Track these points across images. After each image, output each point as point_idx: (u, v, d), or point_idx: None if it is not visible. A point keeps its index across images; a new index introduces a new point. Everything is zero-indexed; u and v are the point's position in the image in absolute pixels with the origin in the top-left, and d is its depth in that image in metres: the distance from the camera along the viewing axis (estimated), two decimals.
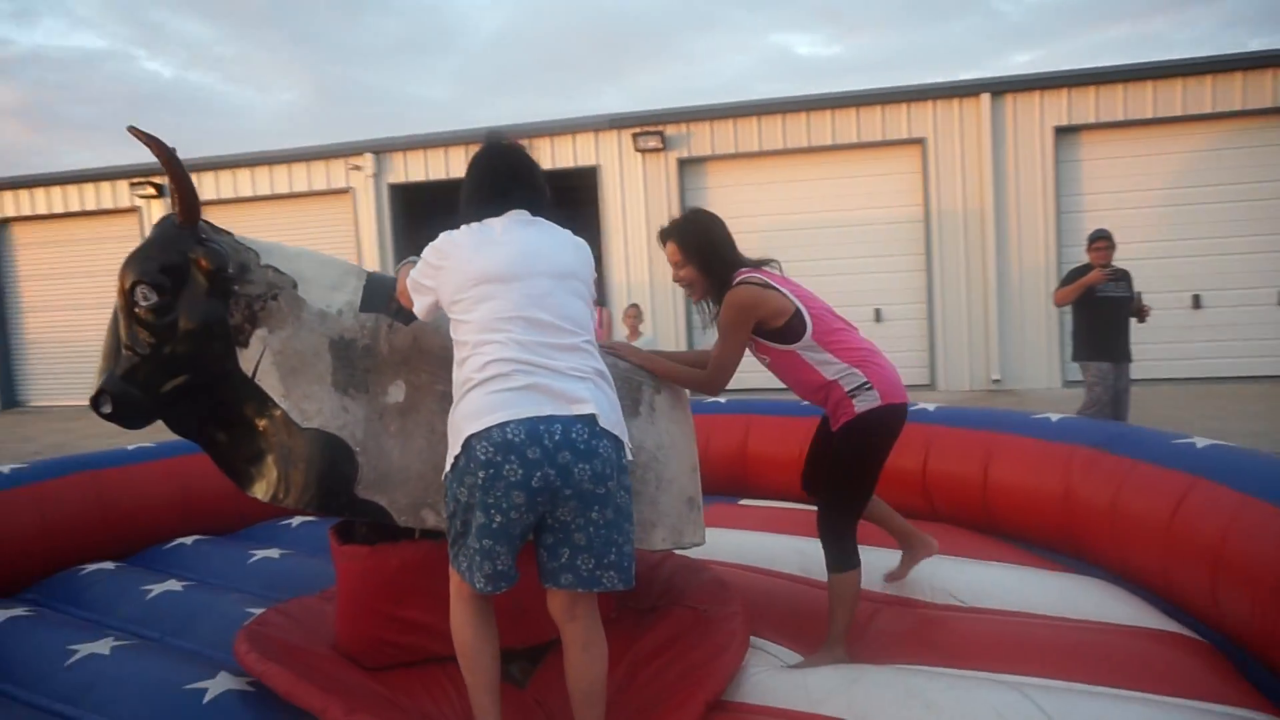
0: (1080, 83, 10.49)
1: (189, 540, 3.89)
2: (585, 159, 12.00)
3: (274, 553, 3.64)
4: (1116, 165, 10.65)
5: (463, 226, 2.12)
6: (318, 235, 12.82)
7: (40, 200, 14.07)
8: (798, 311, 2.57)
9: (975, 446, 3.71)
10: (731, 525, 3.84)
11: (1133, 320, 5.85)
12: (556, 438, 1.85)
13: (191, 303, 2.32)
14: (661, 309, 11.57)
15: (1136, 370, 5.99)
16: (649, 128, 11.56)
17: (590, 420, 1.91)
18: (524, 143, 2.26)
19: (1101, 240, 5.87)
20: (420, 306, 2.15)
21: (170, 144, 2.33)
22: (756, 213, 11.30)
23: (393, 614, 2.47)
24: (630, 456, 2.05)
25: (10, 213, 14.23)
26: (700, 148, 11.61)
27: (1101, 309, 5.79)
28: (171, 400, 2.37)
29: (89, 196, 13.82)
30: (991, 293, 10.74)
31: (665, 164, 11.66)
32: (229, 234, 2.49)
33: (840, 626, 2.56)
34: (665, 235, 2.72)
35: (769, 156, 11.52)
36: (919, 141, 10.99)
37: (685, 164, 11.75)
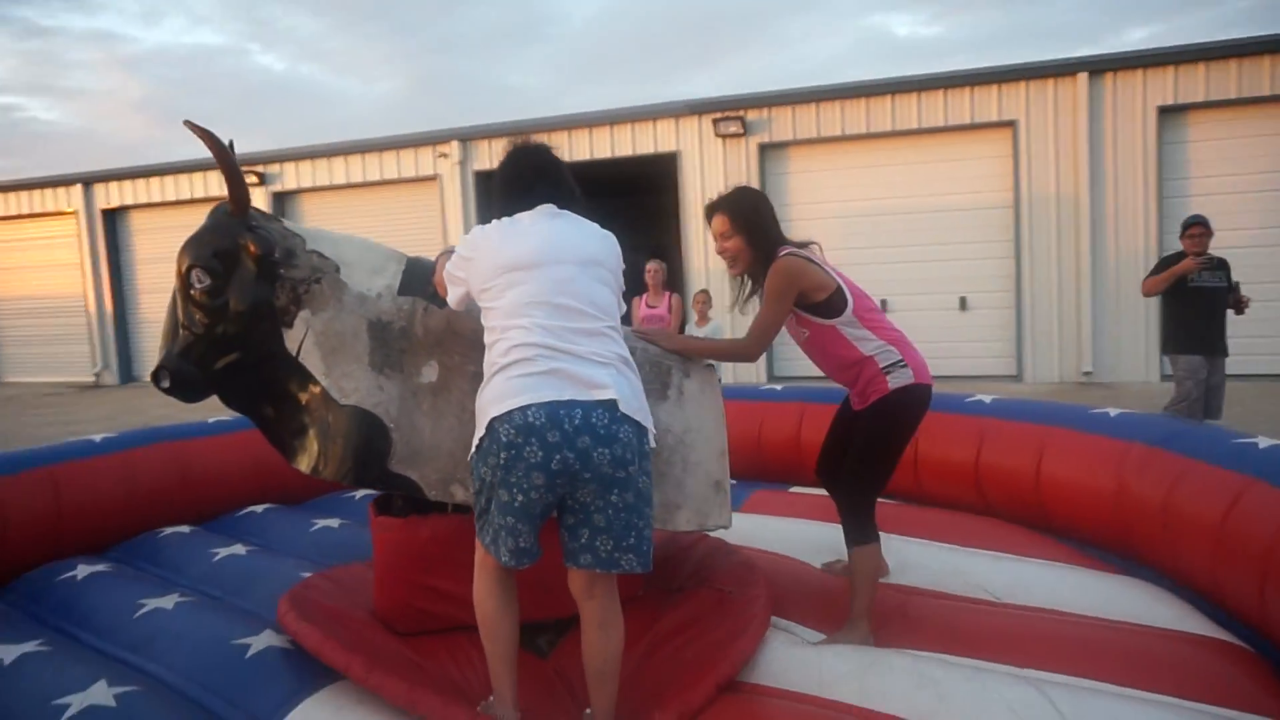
0: (1188, 59, 9.86)
1: (259, 508, 4.13)
2: (665, 145, 11.98)
3: (334, 522, 3.84)
4: (1227, 147, 9.98)
5: (493, 221, 2.22)
6: (406, 221, 13.27)
7: (155, 188, 14.99)
8: (839, 289, 2.64)
9: (1029, 440, 3.60)
10: (777, 512, 3.85)
11: (1230, 312, 5.53)
12: (576, 422, 1.91)
13: (241, 285, 2.48)
14: None
15: (1243, 365, 5.59)
16: (730, 113, 11.44)
17: (611, 405, 1.95)
18: (549, 142, 2.34)
19: (1197, 226, 5.53)
20: (453, 297, 2.26)
21: (226, 139, 2.50)
22: (839, 198, 11.06)
23: (423, 582, 2.59)
24: (654, 442, 2.09)
25: (129, 200, 15.22)
26: (781, 132, 11.42)
27: (1194, 299, 5.47)
28: (224, 376, 2.54)
29: (198, 185, 14.63)
30: (1085, 282, 10.26)
31: (746, 149, 11.53)
32: (279, 221, 2.65)
33: (863, 602, 2.57)
34: (714, 207, 2.79)
35: (852, 141, 11.25)
36: (1010, 124, 10.55)
37: (766, 149, 11.59)
